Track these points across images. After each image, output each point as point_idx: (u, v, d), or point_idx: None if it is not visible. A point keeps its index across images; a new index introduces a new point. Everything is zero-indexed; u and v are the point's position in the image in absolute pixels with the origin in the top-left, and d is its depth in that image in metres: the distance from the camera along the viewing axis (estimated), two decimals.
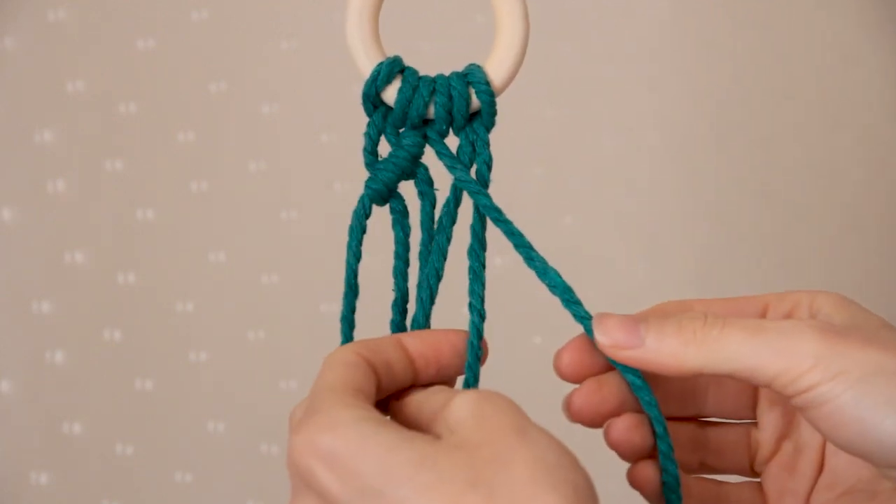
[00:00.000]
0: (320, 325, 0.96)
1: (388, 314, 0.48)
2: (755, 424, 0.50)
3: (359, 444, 0.37)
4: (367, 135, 0.47)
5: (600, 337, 0.44)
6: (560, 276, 0.45)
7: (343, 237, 0.47)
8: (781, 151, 1.05)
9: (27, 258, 0.95)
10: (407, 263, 0.48)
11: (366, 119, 0.47)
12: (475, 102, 0.46)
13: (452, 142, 0.47)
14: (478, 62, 0.47)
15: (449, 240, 0.47)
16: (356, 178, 0.47)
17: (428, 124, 0.47)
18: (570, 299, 0.45)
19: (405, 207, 0.48)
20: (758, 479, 0.50)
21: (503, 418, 0.37)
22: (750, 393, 0.50)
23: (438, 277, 0.47)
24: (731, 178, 1.04)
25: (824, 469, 0.48)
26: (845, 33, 1.05)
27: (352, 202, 0.47)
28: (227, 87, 0.97)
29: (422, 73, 0.47)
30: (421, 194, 0.48)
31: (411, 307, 0.47)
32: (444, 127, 0.47)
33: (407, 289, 0.48)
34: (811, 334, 0.41)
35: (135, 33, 0.95)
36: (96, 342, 0.95)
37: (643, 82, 1.03)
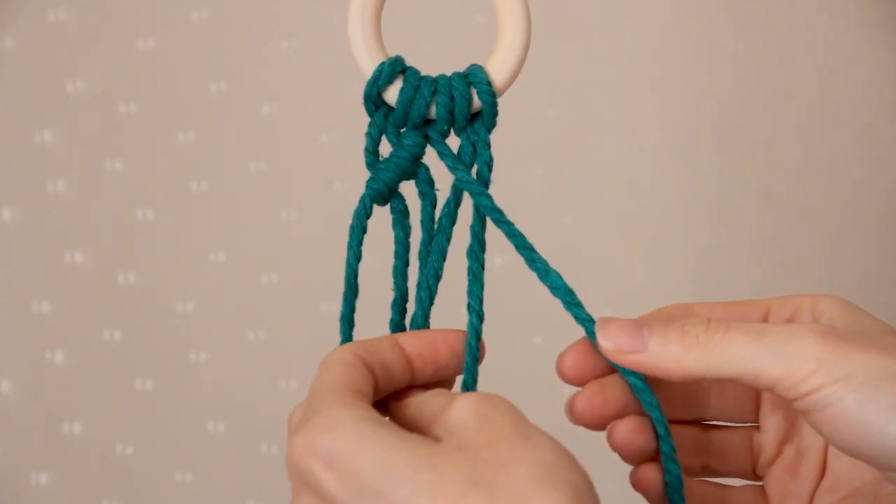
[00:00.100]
0: (320, 325, 0.96)
1: (387, 314, 0.47)
2: (757, 428, 0.50)
3: (358, 444, 0.37)
4: (369, 135, 0.47)
5: (603, 341, 0.44)
6: (562, 279, 0.45)
7: (343, 237, 0.47)
8: (783, 152, 1.05)
9: (27, 258, 0.94)
10: (407, 263, 0.48)
11: (366, 119, 0.47)
12: (476, 103, 0.46)
13: (452, 142, 0.47)
14: (479, 62, 0.47)
15: (449, 240, 0.47)
16: (356, 178, 0.47)
17: (429, 124, 0.47)
18: (571, 301, 0.45)
19: (406, 207, 0.48)
20: (760, 483, 0.50)
21: (503, 420, 0.37)
22: (752, 396, 0.50)
23: (438, 278, 0.47)
24: (733, 178, 1.04)
25: (827, 472, 0.48)
26: (846, 34, 1.05)
27: (352, 202, 0.47)
28: (227, 87, 0.97)
29: (423, 73, 0.47)
30: (421, 194, 0.48)
31: (411, 307, 0.47)
32: (446, 127, 0.47)
33: (406, 288, 0.48)
34: (813, 338, 0.41)
35: (135, 33, 0.95)
36: (96, 342, 0.95)
37: (645, 83, 1.03)
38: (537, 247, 0.46)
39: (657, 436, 0.46)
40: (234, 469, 0.98)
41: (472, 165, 0.47)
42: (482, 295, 0.46)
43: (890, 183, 1.06)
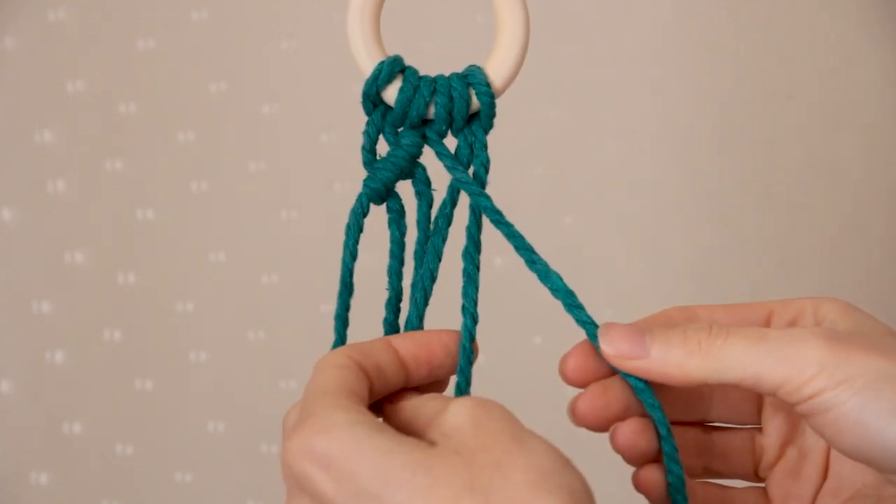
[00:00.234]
0: (320, 325, 0.95)
1: (382, 313, 0.47)
2: (760, 429, 0.50)
3: (354, 447, 0.37)
4: (366, 133, 0.47)
5: (605, 347, 0.44)
6: (562, 280, 0.45)
7: (343, 237, 0.47)
8: (783, 153, 1.05)
9: (27, 258, 0.94)
10: (402, 263, 0.48)
11: (366, 119, 0.47)
12: (475, 104, 0.46)
13: (449, 143, 0.47)
14: (479, 63, 0.47)
15: (444, 241, 0.47)
16: (356, 178, 0.47)
17: (426, 125, 0.47)
18: (572, 304, 0.45)
19: (402, 207, 0.48)
20: (762, 485, 0.50)
21: (499, 424, 0.37)
22: (754, 398, 0.50)
23: (433, 278, 0.47)
24: (733, 179, 1.04)
25: (829, 474, 0.48)
26: (847, 35, 1.05)
27: (352, 202, 0.47)
28: (227, 87, 0.97)
29: (422, 73, 0.47)
30: (418, 194, 0.48)
31: (405, 307, 0.47)
32: (444, 128, 0.47)
33: (402, 288, 0.48)
34: (815, 342, 0.42)
35: (135, 33, 0.95)
36: (96, 342, 0.95)
37: (646, 84, 1.03)
38: (537, 247, 0.46)
39: (659, 437, 0.46)
40: (234, 469, 0.98)
41: (468, 166, 0.47)
42: (477, 296, 0.46)
43: (890, 183, 1.06)
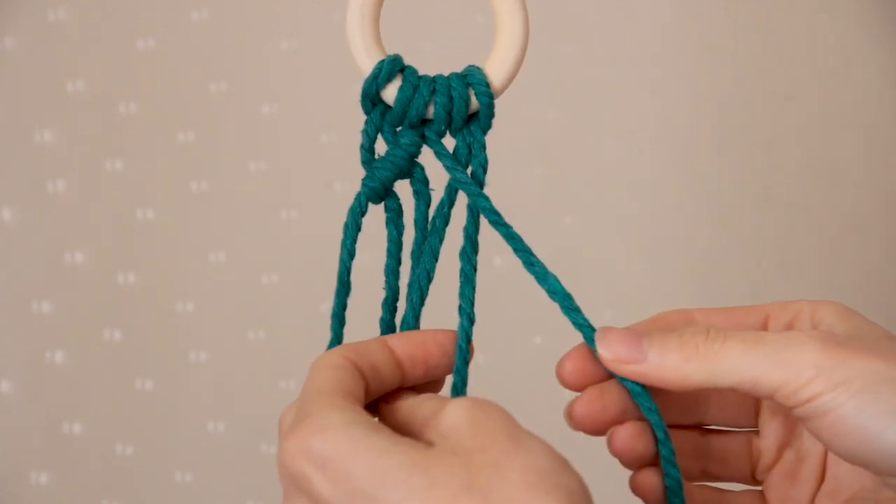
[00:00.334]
0: (320, 325, 0.95)
1: (379, 312, 0.47)
2: (757, 432, 0.50)
3: (350, 447, 0.37)
4: (365, 132, 0.47)
5: (602, 351, 0.45)
6: (559, 283, 0.45)
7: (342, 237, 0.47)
8: (783, 153, 1.05)
9: (27, 258, 0.94)
10: (399, 262, 0.48)
11: (365, 119, 0.47)
12: (474, 104, 0.46)
13: (447, 143, 0.47)
14: (477, 63, 0.47)
15: (441, 241, 0.47)
16: (356, 178, 0.47)
17: (425, 124, 0.47)
18: (569, 306, 0.45)
19: (400, 206, 0.48)
20: (759, 488, 0.50)
21: (496, 425, 0.37)
22: (752, 401, 0.50)
23: (430, 278, 0.47)
24: (733, 180, 1.04)
25: (826, 477, 0.48)
26: (846, 36, 1.05)
27: (351, 202, 0.47)
28: (227, 87, 0.97)
29: (421, 73, 0.47)
30: (416, 193, 0.48)
31: (402, 306, 0.47)
32: (443, 128, 0.47)
33: (398, 287, 0.48)
34: (812, 345, 0.42)
35: (135, 33, 0.95)
36: (96, 342, 0.95)
37: (645, 85, 1.03)
38: (537, 247, 0.46)
39: (656, 440, 0.46)
40: (234, 469, 0.98)
41: (466, 167, 0.47)
42: (473, 297, 0.46)
43: (890, 184, 1.06)
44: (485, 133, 0.47)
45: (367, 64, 0.46)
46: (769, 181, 1.04)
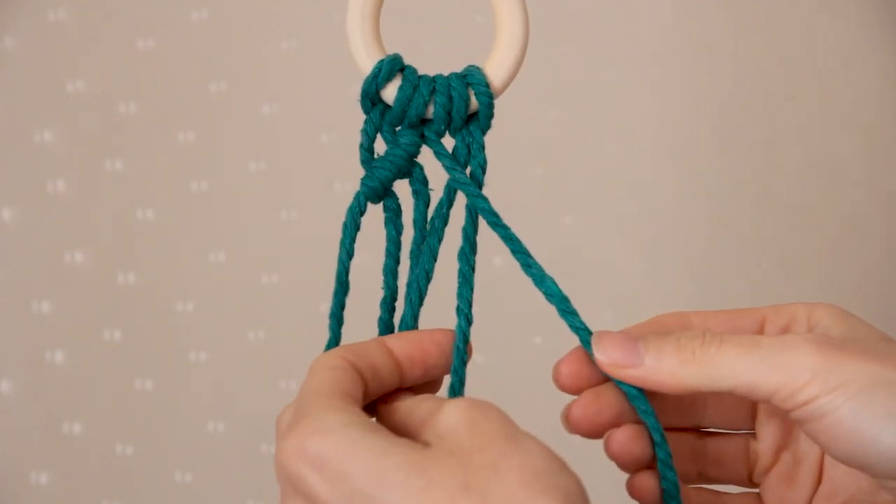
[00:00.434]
0: (320, 325, 0.95)
1: (377, 312, 0.47)
2: (754, 435, 0.50)
3: (348, 449, 0.37)
4: (364, 131, 0.47)
5: (599, 355, 0.45)
6: (556, 285, 0.45)
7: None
8: (783, 153, 1.05)
9: (27, 258, 0.94)
10: (398, 262, 0.48)
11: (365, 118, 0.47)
12: (473, 104, 0.46)
13: (446, 143, 0.47)
14: (477, 63, 0.47)
15: (440, 241, 0.47)
16: (356, 178, 0.47)
17: (424, 124, 0.47)
18: (566, 309, 0.45)
19: (399, 206, 0.48)
20: (756, 490, 0.50)
21: (493, 426, 0.37)
22: (749, 404, 0.50)
23: (428, 278, 0.47)
24: (733, 180, 1.04)
25: (823, 480, 0.48)
26: (846, 36, 1.05)
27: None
28: (227, 87, 0.97)
29: (421, 72, 0.47)
30: (415, 193, 0.48)
31: (400, 306, 0.47)
32: (442, 127, 0.47)
33: (397, 287, 0.48)
34: (808, 348, 0.42)
35: (135, 33, 0.95)
36: (96, 342, 0.95)
37: (645, 85, 1.03)
38: (537, 248, 0.46)
39: (653, 443, 0.46)
40: (234, 469, 0.98)
41: (465, 167, 0.47)
42: (472, 297, 0.46)
43: (890, 184, 1.06)
44: (484, 133, 0.47)
45: (367, 63, 0.46)
46: (769, 181, 1.04)
